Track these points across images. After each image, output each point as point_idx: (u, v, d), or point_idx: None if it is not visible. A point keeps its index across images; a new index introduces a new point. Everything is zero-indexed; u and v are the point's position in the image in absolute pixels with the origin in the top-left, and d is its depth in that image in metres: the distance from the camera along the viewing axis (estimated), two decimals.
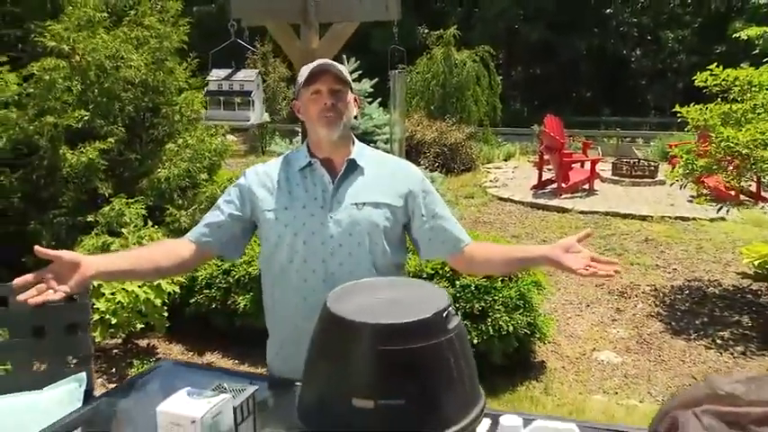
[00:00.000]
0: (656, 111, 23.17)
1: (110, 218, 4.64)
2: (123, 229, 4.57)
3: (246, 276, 4.54)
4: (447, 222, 2.01)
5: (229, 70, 3.71)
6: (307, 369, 1.30)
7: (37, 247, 1.60)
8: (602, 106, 23.13)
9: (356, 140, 2.05)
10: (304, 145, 2.02)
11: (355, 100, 2.01)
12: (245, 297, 4.52)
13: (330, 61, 1.94)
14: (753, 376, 1.46)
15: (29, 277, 1.58)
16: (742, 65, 5.82)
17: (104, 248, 4.41)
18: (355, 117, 2.06)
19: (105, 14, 5.11)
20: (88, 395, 1.96)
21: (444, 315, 1.20)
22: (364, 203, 1.90)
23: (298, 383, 1.73)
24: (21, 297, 1.55)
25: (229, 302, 4.57)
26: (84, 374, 1.97)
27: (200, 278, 4.65)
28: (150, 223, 4.74)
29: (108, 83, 4.90)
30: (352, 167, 1.95)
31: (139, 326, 4.29)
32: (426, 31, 16.70)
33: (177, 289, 4.44)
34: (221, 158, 5.80)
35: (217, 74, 3.68)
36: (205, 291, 4.64)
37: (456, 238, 2.01)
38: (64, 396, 1.90)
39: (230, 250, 2.02)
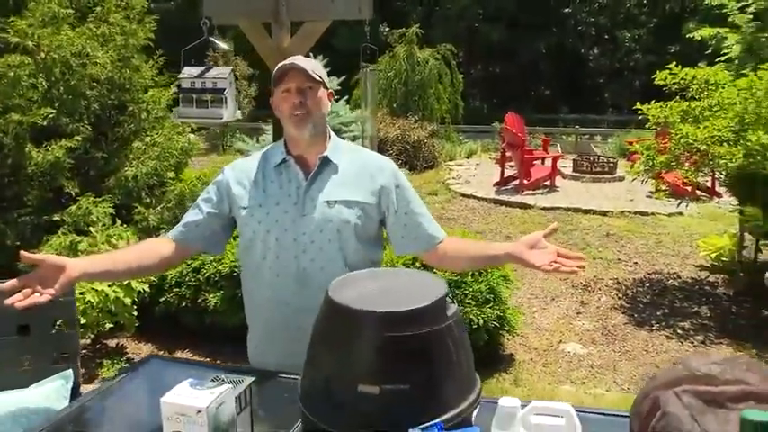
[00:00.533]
0: (613, 108, 23.62)
1: (76, 217, 4.60)
2: (91, 228, 4.53)
3: (217, 274, 4.54)
4: (421, 218, 2.03)
5: (201, 68, 3.71)
6: (310, 357, 1.33)
7: (23, 254, 1.64)
8: (561, 104, 23.48)
9: (333, 135, 2.06)
10: (281, 141, 2.04)
11: (330, 95, 2.03)
12: (215, 295, 4.52)
13: (301, 59, 1.96)
14: (726, 357, 1.55)
15: (15, 282, 1.62)
16: (699, 64, 6.01)
17: (72, 248, 4.36)
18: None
19: (70, 11, 5.03)
20: (75, 392, 1.96)
21: (444, 302, 1.25)
22: (336, 201, 1.92)
23: (283, 375, 1.79)
24: (8, 301, 1.59)
25: (200, 300, 4.57)
26: (70, 371, 1.97)
27: (170, 277, 4.63)
28: (119, 222, 4.70)
29: (74, 80, 4.84)
30: (326, 164, 1.96)
31: (108, 325, 4.26)
32: (388, 29, 16.76)
33: (147, 288, 4.41)
34: (188, 157, 5.77)
35: (189, 71, 3.68)
36: (175, 289, 4.63)
37: (429, 236, 2.02)
38: (51, 393, 1.89)
39: (211, 246, 2.06)
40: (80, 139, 4.76)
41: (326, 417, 1.24)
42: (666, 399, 1.46)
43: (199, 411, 1.30)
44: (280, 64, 1.95)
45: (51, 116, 4.65)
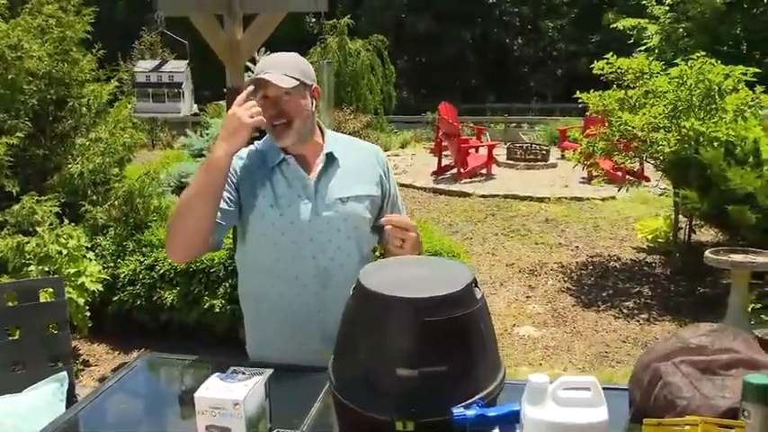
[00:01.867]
0: (537, 97, 24.24)
1: (20, 216, 4.43)
2: (38, 228, 4.37)
3: (172, 271, 4.49)
4: (400, 203, 2.10)
5: (156, 62, 3.64)
6: (341, 345, 1.36)
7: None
8: (488, 93, 23.94)
9: (325, 129, 2.02)
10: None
11: (316, 90, 1.95)
12: (171, 292, 4.46)
13: (276, 63, 1.87)
14: (713, 329, 1.67)
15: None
16: (634, 54, 6.28)
17: (19, 249, 4.21)
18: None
19: (2, 1, 4.84)
20: (71, 394, 1.92)
21: (473, 287, 1.31)
22: (348, 198, 1.91)
23: (288, 368, 1.80)
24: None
25: (155, 298, 4.49)
26: (64, 373, 1.92)
27: (123, 275, 4.55)
28: (66, 221, 4.56)
29: (10, 74, 4.66)
30: (331, 160, 1.93)
31: None
32: (314, 20, 16.69)
33: (100, 287, 4.31)
34: (130, 153, 5.64)
35: (143, 66, 3.61)
36: (128, 288, 4.54)
37: None
38: (47, 396, 1.85)
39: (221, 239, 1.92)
40: (21, 135, 4.59)
41: (365, 401, 1.27)
42: (666, 369, 1.57)
43: (236, 404, 1.31)
44: (257, 69, 1.88)
45: None
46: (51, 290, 2.04)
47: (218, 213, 1.81)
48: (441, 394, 1.24)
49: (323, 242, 1.88)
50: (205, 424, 1.34)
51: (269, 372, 1.51)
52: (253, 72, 2.02)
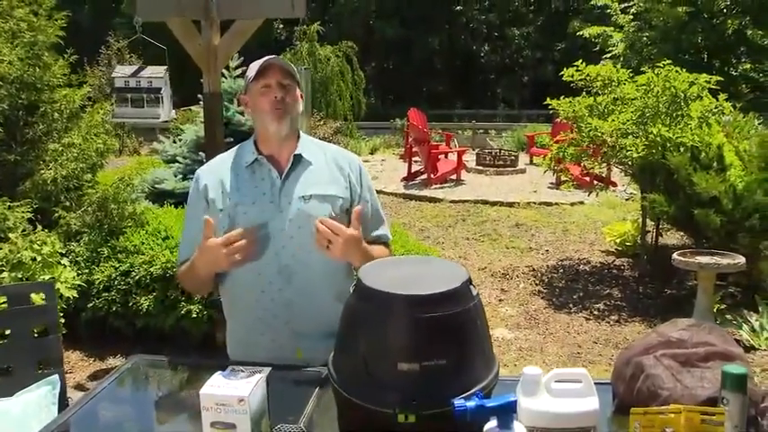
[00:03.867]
0: (504, 103, 24.52)
1: None
2: (10, 235, 4.32)
3: (148, 277, 4.46)
4: (377, 213, 2.14)
5: (135, 67, 3.64)
6: (342, 341, 1.41)
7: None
8: (455, 99, 24.14)
9: (301, 133, 2.10)
10: (251, 140, 2.05)
11: (301, 96, 2.05)
12: (147, 298, 4.43)
13: (278, 57, 2.00)
14: (692, 324, 1.75)
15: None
16: (602, 62, 6.43)
17: None
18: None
19: None
20: (62, 397, 1.92)
21: (469, 284, 1.36)
22: (311, 196, 1.96)
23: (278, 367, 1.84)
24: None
25: (131, 304, 4.47)
26: (56, 377, 1.92)
27: (98, 281, 4.52)
28: (39, 227, 4.51)
29: None
30: (299, 161, 2.00)
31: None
32: (281, 26, 16.70)
33: (75, 294, 4.27)
34: (103, 158, 5.59)
35: (122, 71, 3.60)
36: (104, 294, 4.50)
37: (379, 235, 2.11)
38: (39, 400, 1.85)
39: None
40: None
41: (367, 395, 1.31)
42: (649, 362, 1.64)
43: (241, 400, 1.34)
44: (257, 61, 1.98)
45: None
46: (42, 294, 2.05)
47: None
48: (441, 387, 1.29)
49: (285, 239, 1.94)
50: (210, 420, 1.37)
51: (267, 370, 1.54)
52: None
